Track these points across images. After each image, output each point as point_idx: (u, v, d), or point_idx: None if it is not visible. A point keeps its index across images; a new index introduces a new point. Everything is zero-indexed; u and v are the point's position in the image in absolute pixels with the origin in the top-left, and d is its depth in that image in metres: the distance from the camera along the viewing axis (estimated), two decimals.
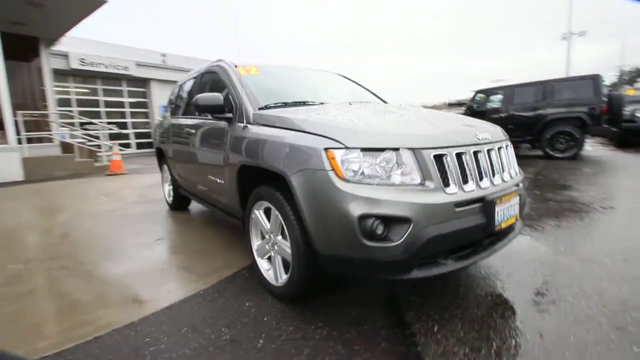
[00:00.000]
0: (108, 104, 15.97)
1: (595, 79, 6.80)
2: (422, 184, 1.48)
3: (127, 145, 16.13)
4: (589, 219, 3.17)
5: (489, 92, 8.32)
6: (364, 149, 1.47)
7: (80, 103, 14.86)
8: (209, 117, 2.70)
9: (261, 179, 2.04)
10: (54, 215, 4.19)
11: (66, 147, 8.52)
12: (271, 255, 1.99)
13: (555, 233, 2.84)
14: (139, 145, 16.62)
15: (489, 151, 1.73)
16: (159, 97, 17.64)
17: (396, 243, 1.41)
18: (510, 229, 1.88)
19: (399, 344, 1.53)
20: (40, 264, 2.60)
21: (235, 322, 1.76)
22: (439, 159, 1.52)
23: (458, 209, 1.51)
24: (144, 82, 17.25)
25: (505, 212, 1.67)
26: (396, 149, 1.49)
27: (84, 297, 2.09)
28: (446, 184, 1.52)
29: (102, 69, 14.93)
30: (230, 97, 2.36)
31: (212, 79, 2.93)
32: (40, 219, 4.05)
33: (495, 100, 8.11)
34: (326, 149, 1.50)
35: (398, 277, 1.47)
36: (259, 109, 2.17)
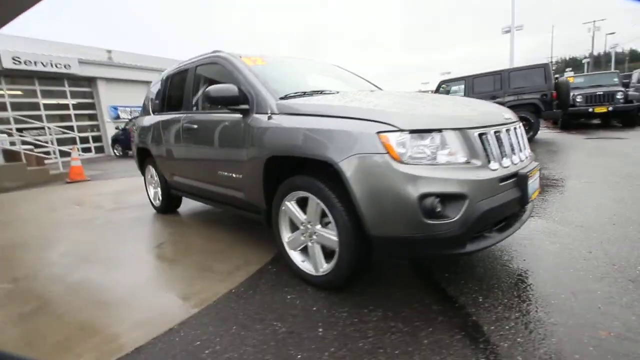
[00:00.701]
0: (48, 107, 14.45)
1: (545, 68, 7.49)
2: (467, 162, 1.56)
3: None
4: (568, 192, 3.52)
5: (451, 83, 8.81)
6: (416, 131, 1.51)
7: (16, 106, 13.29)
8: (216, 110, 2.59)
9: (292, 170, 2.01)
10: (27, 227, 3.75)
11: (10, 155, 7.60)
12: (307, 246, 1.97)
13: (544, 206, 3.12)
14: (85, 150, 15.30)
15: (514, 130, 1.86)
16: (108, 97, 16.35)
17: (454, 219, 1.47)
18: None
19: (454, 316, 1.61)
20: (46, 279, 2.33)
21: (285, 315, 1.73)
22: (480, 137, 1.61)
23: (501, 184, 1.61)
24: (89, 81, 15.85)
25: (533, 186, 1.81)
26: (444, 130, 1.54)
27: (107, 310, 1.92)
28: (488, 161, 1.61)
29: (39, 67, 13.44)
30: (241, 88, 2.27)
31: (211, 71, 2.79)
32: (14, 232, 3.60)
33: (458, 90, 8.61)
34: (379, 133, 1.52)
35: (454, 252, 1.54)
36: (280, 98, 2.12)
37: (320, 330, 1.59)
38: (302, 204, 1.96)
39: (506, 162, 1.69)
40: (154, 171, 3.79)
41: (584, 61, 41.09)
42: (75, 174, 6.84)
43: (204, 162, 2.70)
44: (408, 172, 1.46)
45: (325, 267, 1.88)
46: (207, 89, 2.20)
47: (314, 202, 1.82)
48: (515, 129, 1.95)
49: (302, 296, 1.90)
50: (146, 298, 2.03)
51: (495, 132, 1.68)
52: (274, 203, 2.09)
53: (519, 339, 1.43)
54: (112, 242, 3.08)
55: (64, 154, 8.40)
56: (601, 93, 8.73)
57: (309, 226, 1.92)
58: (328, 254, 1.90)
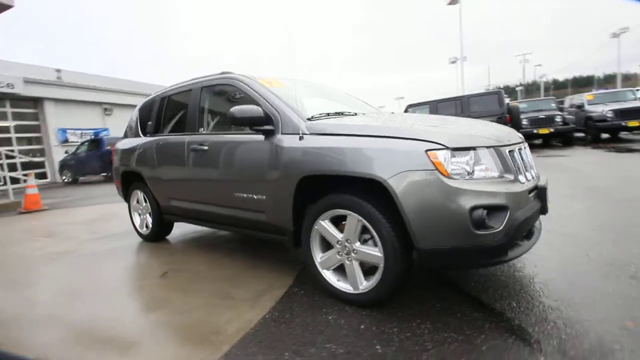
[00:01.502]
0: None
1: (499, 94, 8.38)
2: (501, 177, 1.71)
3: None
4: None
5: (417, 106, 9.46)
6: (459, 149, 1.64)
7: None
8: (228, 131, 2.56)
9: (322, 190, 2.03)
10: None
11: None
12: (345, 264, 1.98)
13: None
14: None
15: (525, 148, 2.08)
16: (56, 119, 15.12)
17: (499, 229, 1.59)
18: None
19: (498, 321, 1.70)
20: (42, 322, 2.05)
21: (334, 336, 1.70)
22: (510, 154, 1.78)
23: (529, 196, 1.78)
24: (34, 101, 14.60)
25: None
26: (480, 148, 1.69)
27: (130, 355, 1.75)
28: (517, 175, 1.78)
29: None
30: (263, 109, 2.28)
31: (221, 92, 2.77)
32: None
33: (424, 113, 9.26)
34: (427, 150, 1.62)
35: (497, 260, 1.65)
36: (307, 119, 2.17)
37: (378, 347, 1.59)
38: (336, 222, 1.99)
39: (528, 176, 1.88)
40: (142, 196, 3.57)
41: (517, 89, 46.36)
42: (30, 203, 6.14)
43: (216, 184, 2.62)
44: (459, 187, 1.57)
45: (365, 284, 1.90)
46: (231, 110, 2.19)
47: (354, 219, 1.86)
48: (525, 147, 2.17)
49: (343, 315, 1.88)
50: (170, 333, 1.88)
51: (518, 149, 1.87)
52: (305, 223, 2.09)
53: (563, 337, 1.55)
54: (105, 274, 2.82)
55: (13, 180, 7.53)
56: (543, 117, 9.89)
57: (346, 244, 1.94)
58: (366, 271, 1.93)
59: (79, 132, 16.33)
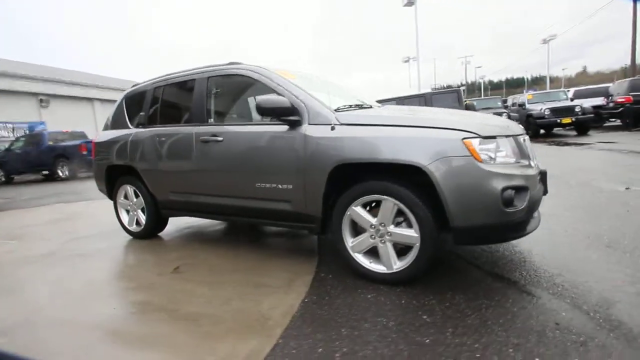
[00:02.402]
0: None
1: (458, 92, 9.07)
2: (517, 162, 1.96)
3: None
4: None
5: (385, 102, 9.86)
6: (489, 137, 1.85)
7: None
8: (245, 122, 2.55)
9: (352, 178, 2.13)
10: None
11: None
12: (378, 246, 2.11)
13: None
14: None
15: (527, 138, 2.37)
16: None
17: (522, 207, 1.83)
18: None
19: (518, 289, 1.95)
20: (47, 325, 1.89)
21: (381, 311, 1.83)
22: (523, 142, 2.04)
23: (537, 179, 2.06)
24: None
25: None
26: (501, 137, 1.91)
27: (190, 347, 1.72)
28: (528, 161, 2.04)
29: None
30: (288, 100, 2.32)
31: (231, 82, 2.74)
32: None
33: None
34: (464, 139, 1.80)
35: (520, 234, 1.90)
36: (335, 111, 2.25)
37: (425, 317, 1.75)
38: (367, 207, 2.11)
39: (533, 162, 2.16)
40: (132, 191, 3.37)
41: (460, 88, 50.10)
42: None
43: (233, 175, 2.59)
44: (491, 170, 1.78)
45: (399, 263, 2.05)
46: (258, 99, 2.21)
47: (390, 203, 1.99)
48: (526, 137, 2.45)
49: (380, 293, 2.02)
50: (217, 323, 1.87)
51: (523, 139, 2.14)
52: (337, 210, 2.18)
53: (573, 295, 1.83)
54: (107, 274, 2.65)
55: None
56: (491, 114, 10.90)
57: (380, 228, 2.07)
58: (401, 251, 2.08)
59: (10, 125, 14.46)
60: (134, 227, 3.49)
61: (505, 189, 1.78)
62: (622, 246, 2.38)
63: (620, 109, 10.26)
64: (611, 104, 10.95)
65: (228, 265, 2.63)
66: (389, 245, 2.07)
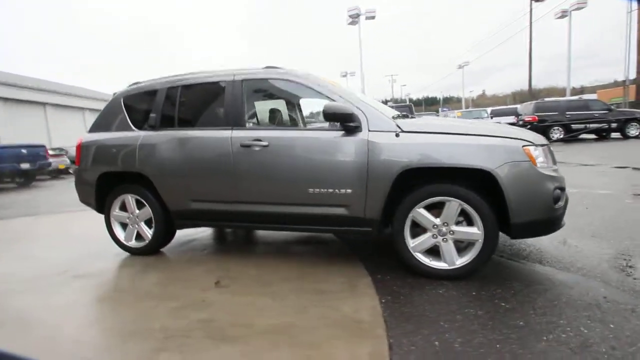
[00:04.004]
0: None
1: (410, 107, 9.94)
2: (551, 167, 2.33)
3: None
4: None
5: None
6: (540, 145, 2.18)
7: None
8: (293, 127, 2.51)
9: (410, 183, 2.28)
10: None
11: None
12: (439, 245, 2.27)
13: None
14: None
15: None
16: None
17: (562, 204, 2.19)
18: None
19: (554, 272, 2.31)
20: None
21: (462, 303, 1.99)
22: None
23: None
24: None
25: None
26: (543, 146, 2.26)
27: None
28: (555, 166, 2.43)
29: None
30: None
31: (276, 87, 2.67)
32: None
33: None
34: (524, 146, 2.10)
35: (559, 227, 2.24)
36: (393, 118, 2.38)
37: (503, 303, 1.96)
38: (428, 209, 2.27)
39: None
40: (133, 201, 2.99)
41: (387, 104, 54.59)
42: None
43: (281, 181, 2.51)
44: (546, 173, 2.10)
45: (460, 260, 2.24)
46: (326, 106, 2.25)
47: (455, 204, 2.18)
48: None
49: (448, 288, 2.18)
50: (310, 326, 1.81)
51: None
52: (399, 212, 2.29)
53: (597, 274, 2.24)
54: (142, 295, 2.31)
55: None
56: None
57: (442, 227, 2.25)
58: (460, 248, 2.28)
59: None
60: (132, 243, 3.09)
61: (555, 189, 2.12)
62: (607, 236, 2.94)
63: (528, 126, 12.36)
64: (521, 122, 13.12)
65: (271, 276, 2.51)
66: (451, 244, 2.26)
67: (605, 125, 12.00)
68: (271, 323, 1.89)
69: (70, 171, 13.66)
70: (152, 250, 3.06)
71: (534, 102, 13.82)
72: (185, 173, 2.76)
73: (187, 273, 2.64)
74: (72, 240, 3.79)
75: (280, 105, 3.09)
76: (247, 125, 2.67)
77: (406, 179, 2.29)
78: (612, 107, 12.89)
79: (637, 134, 12.03)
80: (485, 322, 1.79)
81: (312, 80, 2.52)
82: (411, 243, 2.32)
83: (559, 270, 2.35)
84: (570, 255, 2.60)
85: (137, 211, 3.01)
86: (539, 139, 2.29)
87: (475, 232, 2.19)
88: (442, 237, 2.26)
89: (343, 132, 2.39)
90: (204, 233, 3.72)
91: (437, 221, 2.25)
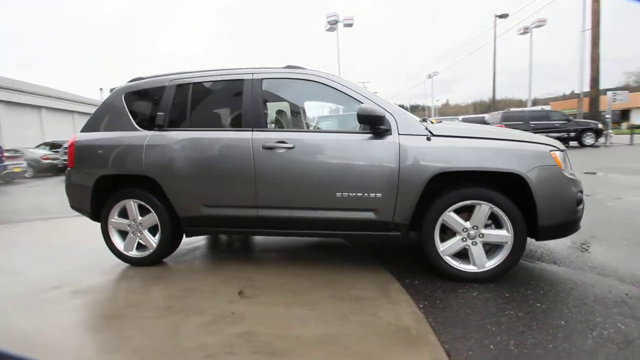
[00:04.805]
0: None
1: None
2: (568, 171, 2.44)
3: None
4: None
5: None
6: (562, 151, 2.27)
7: None
8: (317, 129, 2.45)
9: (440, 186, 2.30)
10: None
11: None
12: (469, 248, 2.29)
13: None
14: None
15: None
16: None
17: (582, 207, 2.30)
18: None
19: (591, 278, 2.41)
20: None
21: (499, 306, 2.02)
22: None
23: None
24: None
25: None
26: (562, 150, 2.37)
27: None
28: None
29: None
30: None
31: (297, 87, 2.60)
32: None
33: None
34: (551, 151, 2.18)
35: (578, 228, 2.34)
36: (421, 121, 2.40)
37: (538, 304, 2.00)
38: (458, 212, 2.30)
39: None
40: (136, 207, 2.76)
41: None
42: None
43: (308, 185, 2.42)
44: (571, 177, 2.19)
45: (489, 262, 2.27)
46: (360, 108, 2.22)
47: (486, 207, 2.22)
48: None
49: (481, 291, 2.20)
50: (357, 335, 1.74)
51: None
52: (430, 216, 2.29)
53: (613, 273, 2.36)
54: (165, 311, 2.11)
55: None
56: None
57: (471, 231, 2.27)
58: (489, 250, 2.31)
59: None
60: (133, 253, 2.84)
61: (577, 192, 2.22)
62: (605, 236, 3.13)
63: None
64: None
65: (298, 284, 2.41)
66: (480, 247, 2.29)
67: (564, 134, 13.01)
68: (318, 334, 1.80)
69: (27, 175, 12.51)
70: (155, 260, 2.83)
71: (501, 112, 14.71)
72: (199, 176, 2.59)
73: (202, 284, 2.46)
74: (57, 251, 3.43)
75: (305, 105, 3.01)
76: (268, 126, 2.56)
77: (434, 183, 2.30)
78: (570, 117, 14.03)
79: (592, 142, 13.17)
80: (529, 323, 1.83)
81: (339, 82, 2.48)
82: (441, 247, 2.32)
83: (574, 270, 2.47)
84: (578, 255, 2.74)
85: (140, 218, 2.78)
86: (560, 144, 2.39)
87: (505, 234, 2.23)
88: (472, 240, 2.29)
89: (371, 135, 2.36)
90: (204, 241, 3.52)
91: (467, 224, 2.28)
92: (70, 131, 23.88)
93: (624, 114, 31.69)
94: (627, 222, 3.57)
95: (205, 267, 2.83)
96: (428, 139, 2.29)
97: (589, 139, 13.15)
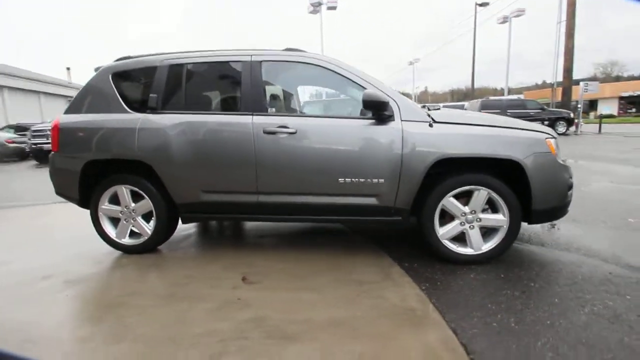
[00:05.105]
0: None
1: None
2: (562, 158, 2.54)
3: None
4: None
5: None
6: (554, 138, 2.37)
7: None
8: (319, 114, 2.42)
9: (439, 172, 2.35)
10: None
11: None
12: (466, 232, 2.37)
13: None
14: None
15: None
16: None
17: (571, 191, 2.42)
18: None
19: (578, 259, 2.56)
20: None
21: (498, 285, 2.12)
22: None
23: None
24: None
25: None
26: (554, 138, 2.46)
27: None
28: None
29: None
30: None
31: (297, 71, 2.56)
32: None
33: None
34: (546, 139, 2.26)
35: (566, 212, 2.47)
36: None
37: (532, 284, 2.12)
38: (456, 198, 2.36)
39: None
40: (128, 193, 2.66)
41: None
42: None
43: (310, 170, 2.40)
44: (564, 164, 2.29)
45: (486, 245, 2.37)
46: (365, 94, 2.22)
47: (484, 193, 2.29)
48: None
49: (478, 272, 2.29)
50: (366, 318, 1.79)
51: None
52: (430, 201, 2.35)
53: (597, 254, 2.53)
54: (169, 300, 2.06)
55: None
56: None
57: (469, 215, 2.35)
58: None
59: None
60: (126, 240, 2.75)
61: (569, 177, 2.33)
62: (586, 220, 3.32)
63: None
64: None
65: (300, 269, 2.43)
66: (477, 230, 2.37)
67: (539, 123, 13.52)
68: (327, 317, 1.83)
69: None
70: (149, 247, 2.75)
71: (480, 100, 15.07)
72: (197, 161, 2.51)
73: (203, 271, 2.43)
74: (41, 240, 3.27)
75: (306, 89, 2.95)
76: (269, 110, 2.50)
77: (433, 169, 2.34)
78: (544, 107, 14.60)
79: (564, 130, 13.79)
80: (526, 301, 1.93)
81: (343, 66, 2.44)
82: (440, 231, 2.39)
83: (561, 252, 2.61)
84: (563, 238, 2.90)
85: (133, 204, 2.68)
86: (553, 132, 2.49)
87: (501, 218, 2.32)
88: (469, 224, 2.37)
89: (374, 120, 2.36)
90: (196, 228, 3.45)
91: (466, 209, 2.35)
92: (37, 113, 22.41)
93: (592, 104, 33.33)
94: (602, 206, 3.80)
95: (203, 254, 2.79)
96: (430, 125, 2.32)
97: (561, 127, 13.78)
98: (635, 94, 33.09)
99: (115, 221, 2.77)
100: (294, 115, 2.55)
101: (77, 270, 2.49)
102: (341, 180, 2.39)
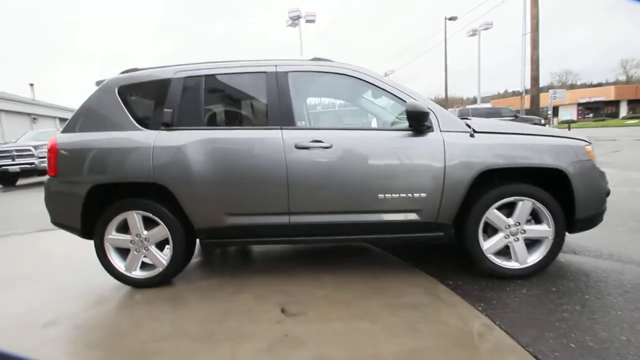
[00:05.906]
0: None
1: None
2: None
3: None
4: None
5: None
6: (591, 144, 2.36)
7: None
8: (355, 127, 2.29)
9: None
10: None
11: None
12: (511, 245, 2.29)
13: None
14: None
15: None
16: None
17: (608, 198, 2.41)
18: None
19: (591, 262, 2.54)
20: None
21: (547, 299, 2.03)
22: None
23: None
24: None
25: None
26: (591, 144, 2.46)
27: None
28: None
29: None
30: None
31: (324, 82, 2.42)
32: None
33: None
34: (585, 146, 2.24)
35: (602, 219, 2.46)
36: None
37: (587, 296, 2.06)
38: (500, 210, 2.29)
39: None
40: (140, 220, 2.37)
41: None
42: None
43: (347, 186, 2.24)
44: (602, 170, 2.28)
45: (531, 258, 2.29)
46: (408, 105, 2.11)
47: (529, 204, 2.23)
48: None
49: (528, 286, 2.21)
50: (438, 347, 1.64)
51: None
52: (473, 215, 2.25)
53: (605, 256, 2.52)
54: (214, 339, 1.80)
55: None
56: None
57: (514, 227, 2.27)
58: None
59: None
60: (137, 273, 2.44)
61: (606, 184, 2.32)
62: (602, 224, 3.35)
63: None
64: None
65: (342, 293, 2.24)
66: (522, 243, 2.30)
67: None
68: (396, 350, 1.66)
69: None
70: (165, 279, 2.46)
71: (457, 108, 15.60)
72: (221, 182, 2.28)
73: (234, 303, 2.18)
74: (34, 276, 2.85)
75: (337, 101, 2.81)
76: (300, 123, 2.33)
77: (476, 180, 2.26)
78: (517, 114, 15.34)
79: None
80: (590, 316, 1.86)
81: (376, 76, 2.33)
82: (485, 245, 2.29)
83: (596, 259, 2.60)
84: (589, 244, 2.89)
85: (146, 232, 2.40)
86: (588, 139, 2.49)
87: (545, 229, 2.26)
88: (514, 236, 2.29)
89: (411, 132, 2.25)
90: (206, 256, 3.16)
91: (510, 221, 2.27)
92: None
93: (555, 110, 35.60)
94: (610, 209, 3.87)
95: (225, 283, 2.52)
96: (471, 135, 2.24)
97: None
98: (592, 100, 35.75)
99: (123, 252, 2.46)
100: (327, 128, 2.38)
101: (84, 312, 2.16)
102: (381, 196, 2.25)
